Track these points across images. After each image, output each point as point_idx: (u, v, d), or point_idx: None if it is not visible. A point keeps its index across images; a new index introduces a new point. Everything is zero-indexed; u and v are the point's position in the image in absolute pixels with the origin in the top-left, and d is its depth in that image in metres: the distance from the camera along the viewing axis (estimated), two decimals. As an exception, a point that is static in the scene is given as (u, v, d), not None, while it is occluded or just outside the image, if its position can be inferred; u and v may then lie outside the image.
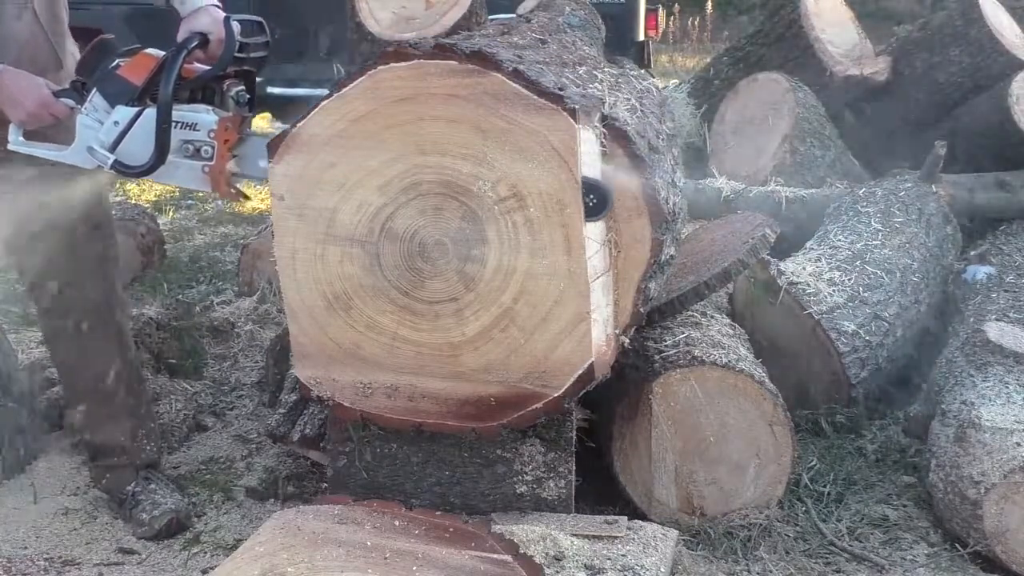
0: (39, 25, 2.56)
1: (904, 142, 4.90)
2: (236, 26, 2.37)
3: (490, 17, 3.16)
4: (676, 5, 15.48)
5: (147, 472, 2.86)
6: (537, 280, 2.03)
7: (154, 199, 6.72)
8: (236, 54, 2.36)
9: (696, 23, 15.42)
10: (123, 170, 2.34)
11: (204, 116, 2.32)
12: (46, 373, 3.32)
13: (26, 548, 2.67)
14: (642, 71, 2.85)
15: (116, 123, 2.33)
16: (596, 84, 2.32)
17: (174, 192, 6.72)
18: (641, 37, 7.72)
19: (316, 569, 1.83)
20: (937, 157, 4.11)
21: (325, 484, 2.49)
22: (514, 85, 1.96)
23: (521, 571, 1.86)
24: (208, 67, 2.37)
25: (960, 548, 2.65)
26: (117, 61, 2.38)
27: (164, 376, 3.51)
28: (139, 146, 2.30)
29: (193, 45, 2.36)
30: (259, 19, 2.44)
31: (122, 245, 3.10)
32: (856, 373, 3.31)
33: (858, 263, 3.59)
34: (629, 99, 2.36)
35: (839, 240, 3.76)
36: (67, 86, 2.43)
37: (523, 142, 1.97)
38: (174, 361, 3.63)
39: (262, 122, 9.29)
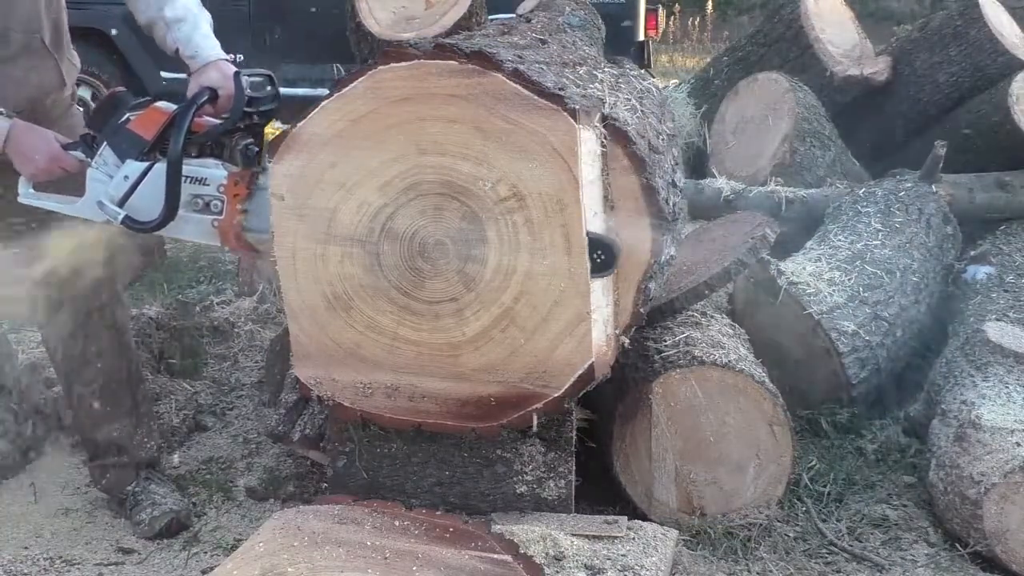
0: (46, 48, 2.58)
1: (904, 142, 4.91)
2: (245, 80, 2.38)
3: (490, 17, 3.16)
4: (676, 5, 15.49)
5: (147, 472, 2.86)
6: (537, 280, 2.03)
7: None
8: (245, 108, 2.36)
9: (696, 23, 15.42)
10: (133, 225, 2.34)
11: (214, 171, 2.33)
12: (46, 373, 3.32)
13: (26, 548, 2.67)
14: (642, 71, 2.85)
15: (126, 177, 2.34)
16: (596, 84, 2.32)
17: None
18: (641, 37, 7.73)
19: (316, 569, 1.83)
20: (937, 157, 4.11)
21: (325, 484, 2.49)
22: (514, 85, 1.96)
23: (521, 571, 1.86)
24: (218, 121, 2.38)
25: (960, 548, 2.65)
26: (127, 115, 2.39)
27: (164, 376, 3.51)
28: (149, 201, 2.31)
29: (203, 100, 2.37)
30: (268, 72, 2.46)
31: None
32: (856, 373, 3.31)
33: (858, 263, 3.59)
34: (629, 99, 2.36)
35: (839, 240, 3.76)
36: (77, 139, 2.45)
37: (523, 142, 1.97)
38: (174, 361, 3.63)
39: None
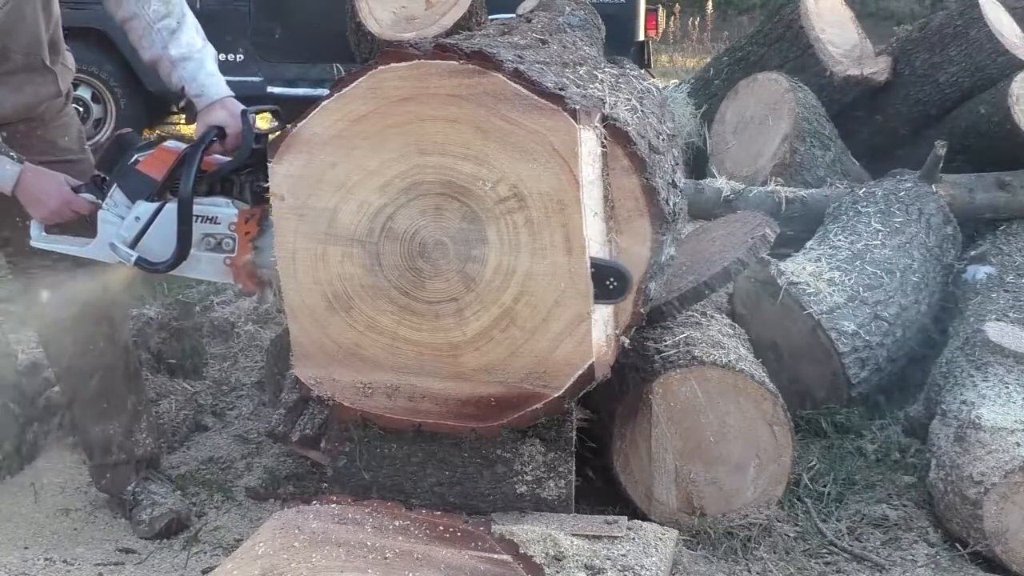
0: (46, 66, 2.58)
1: (904, 142, 4.91)
2: (252, 118, 2.39)
3: (490, 17, 3.16)
4: (676, 5, 15.48)
5: (147, 472, 2.86)
6: (537, 280, 2.03)
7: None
8: (254, 145, 2.37)
9: (696, 23, 15.41)
10: (146, 267, 2.35)
11: (225, 210, 2.34)
12: (46, 373, 3.32)
13: (26, 548, 2.67)
14: (642, 71, 2.85)
15: (137, 219, 2.35)
16: (596, 84, 2.32)
17: (174, 192, 6.71)
18: (641, 37, 7.72)
19: (316, 569, 1.83)
20: (937, 157, 4.11)
21: (325, 484, 2.49)
22: (515, 85, 1.96)
23: (521, 571, 1.86)
24: (227, 159, 2.39)
25: (960, 548, 2.65)
26: (136, 156, 2.40)
27: (164, 376, 3.51)
28: (161, 241, 2.32)
29: (211, 139, 2.37)
30: (275, 107, 2.45)
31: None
32: (856, 373, 3.31)
33: (858, 263, 3.59)
34: (629, 99, 2.36)
35: (839, 240, 3.76)
36: (87, 181, 2.46)
37: (524, 142, 1.97)
38: (174, 361, 3.63)
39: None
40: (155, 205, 2.34)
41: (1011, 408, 2.78)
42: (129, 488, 2.81)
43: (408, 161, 2.03)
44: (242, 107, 2.47)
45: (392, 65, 2.01)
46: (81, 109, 7.24)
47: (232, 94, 2.53)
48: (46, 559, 2.62)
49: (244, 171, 2.36)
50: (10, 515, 2.82)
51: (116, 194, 2.39)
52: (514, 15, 3.37)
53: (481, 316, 2.08)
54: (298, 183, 2.11)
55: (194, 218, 2.30)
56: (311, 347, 2.21)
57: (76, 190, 2.44)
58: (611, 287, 2.04)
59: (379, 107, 2.03)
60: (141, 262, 2.33)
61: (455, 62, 1.98)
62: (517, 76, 1.96)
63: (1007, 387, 2.90)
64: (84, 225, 2.45)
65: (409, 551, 1.90)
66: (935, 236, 3.91)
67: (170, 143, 2.45)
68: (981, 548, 2.59)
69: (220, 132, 2.41)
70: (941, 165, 4.13)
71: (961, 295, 3.78)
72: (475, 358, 2.11)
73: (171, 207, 2.31)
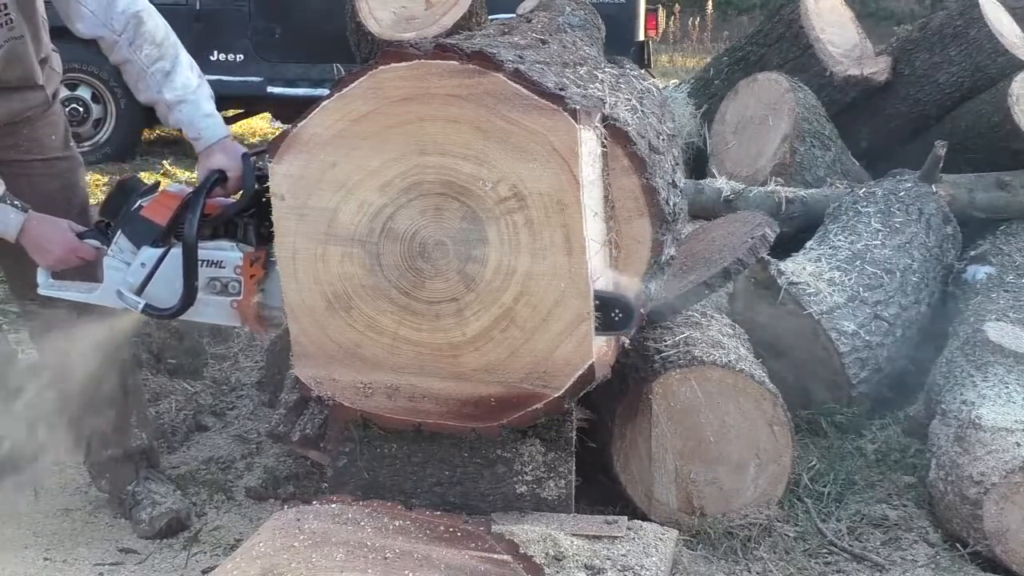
0: (39, 86, 2.58)
1: (904, 142, 4.91)
2: (253, 161, 2.40)
3: (490, 17, 3.16)
4: (676, 5, 15.50)
5: (147, 472, 2.86)
6: (538, 280, 2.03)
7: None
8: (256, 187, 2.37)
9: (696, 23, 15.42)
10: (154, 313, 2.36)
11: (229, 253, 2.35)
12: (46, 373, 3.32)
13: (26, 548, 2.67)
14: (642, 71, 2.85)
15: (143, 264, 2.36)
16: (597, 84, 2.32)
17: (174, 192, 6.72)
18: (641, 37, 7.73)
19: (316, 569, 1.83)
20: (937, 157, 4.11)
21: (325, 484, 2.49)
22: (515, 85, 1.96)
23: (521, 571, 1.86)
24: (229, 201, 2.40)
25: (960, 548, 2.65)
26: (139, 202, 2.41)
27: (164, 376, 3.51)
28: (167, 287, 2.33)
29: (213, 183, 2.38)
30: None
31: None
32: (856, 373, 3.31)
33: (858, 263, 3.59)
34: (629, 99, 2.36)
35: (839, 240, 3.76)
36: (91, 227, 2.48)
37: (524, 142, 1.97)
38: (174, 361, 3.63)
39: (262, 122, 9.32)
40: (160, 251, 2.35)
41: (1011, 408, 2.78)
42: (129, 487, 2.81)
43: (408, 161, 2.03)
44: (243, 149, 2.48)
45: (392, 65, 2.01)
46: (81, 109, 7.25)
47: (230, 133, 2.54)
48: (46, 559, 2.62)
49: (246, 213, 2.37)
50: (10, 515, 2.82)
51: (121, 240, 2.40)
52: (514, 15, 3.37)
53: (481, 316, 2.08)
54: (298, 183, 2.11)
55: (199, 263, 2.31)
56: (311, 347, 2.21)
57: (81, 236, 2.45)
58: (616, 318, 2.06)
59: (379, 107, 2.03)
60: (149, 309, 2.35)
61: (455, 62, 1.98)
62: (517, 76, 1.96)
63: (1007, 387, 2.90)
64: (91, 268, 2.47)
65: (409, 551, 1.90)
66: (935, 236, 3.91)
67: (172, 187, 2.47)
68: (981, 548, 2.59)
69: (221, 175, 2.41)
70: (941, 165, 4.14)
71: (961, 295, 3.78)
72: (475, 358, 2.11)
73: (176, 252, 2.32)
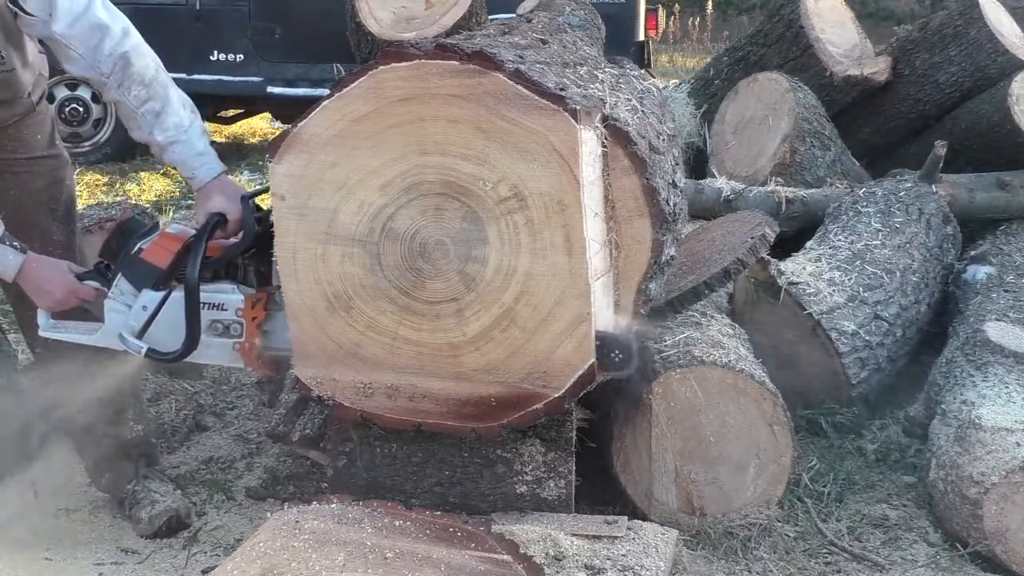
0: (29, 99, 2.59)
1: (904, 142, 4.91)
2: (252, 203, 2.40)
3: (490, 17, 3.16)
4: (676, 5, 15.50)
5: (146, 471, 2.86)
6: (538, 280, 2.03)
7: (154, 199, 6.71)
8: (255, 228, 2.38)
9: (696, 23, 15.43)
10: (157, 357, 2.37)
11: (231, 296, 2.35)
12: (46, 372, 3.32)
13: (26, 548, 2.67)
14: (642, 71, 2.85)
15: (144, 308, 2.36)
16: (597, 84, 2.32)
17: (174, 192, 6.72)
18: (641, 37, 7.73)
19: (316, 569, 1.83)
20: (937, 157, 4.11)
21: (325, 484, 2.49)
22: (515, 85, 1.96)
23: (521, 571, 1.86)
24: (229, 243, 2.40)
25: (960, 548, 2.65)
26: (139, 244, 2.41)
27: (164, 376, 3.50)
28: (169, 329, 2.33)
29: (213, 226, 2.38)
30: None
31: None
32: (856, 373, 3.31)
33: (858, 263, 3.59)
34: (630, 99, 2.36)
35: (839, 240, 3.76)
36: (91, 268, 2.48)
37: (524, 142, 1.97)
38: (174, 361, 3.62)
39: (262, 122, 9.32)
40: (161, 294, 2.35)
41: (1011, 408, 2.78)
42: (128, 487, 2.81)
43: (409, 161, 2.04)
44: (241, 190, 2.46)
45: (392, 65, 2.01)
46: (81, 109, 7.26)
47: (225, 170, 2.52)
48: (46, 559, 2.62)
49: (247, 254, 2.38)
50: (10, 515, 2.82)
51: (121, 283, 2.40)
52: (514, 15, 3.37)
53: (481, 316, 2.08)
54: (298, 183, 2.11)
55: (201, 305, 2.31)
56: (311, 347, 2.21)
57: (80, 277, 2.45)
58: (616, 359, 2.07)
59: (380, 107, 2.03)
60: (151, 353, 2.35)
61: (456, 62, 1.98)
62: (518, 76, 1.96)
63: (1007, 387, 2.90)
64: (92, 307, 2.47)
65: (409, 551, 1.90)
66: (935, 236, 3.91)
67: (171, 228, 2.47)
68: (981, 548, 2.60)
69: (221, 218, 2.41)
70: (941, 165, 4.13)
71: (961, 295, 3.78)
72: (475, 358, 2.11)
73: (177, 296, 2.31)
